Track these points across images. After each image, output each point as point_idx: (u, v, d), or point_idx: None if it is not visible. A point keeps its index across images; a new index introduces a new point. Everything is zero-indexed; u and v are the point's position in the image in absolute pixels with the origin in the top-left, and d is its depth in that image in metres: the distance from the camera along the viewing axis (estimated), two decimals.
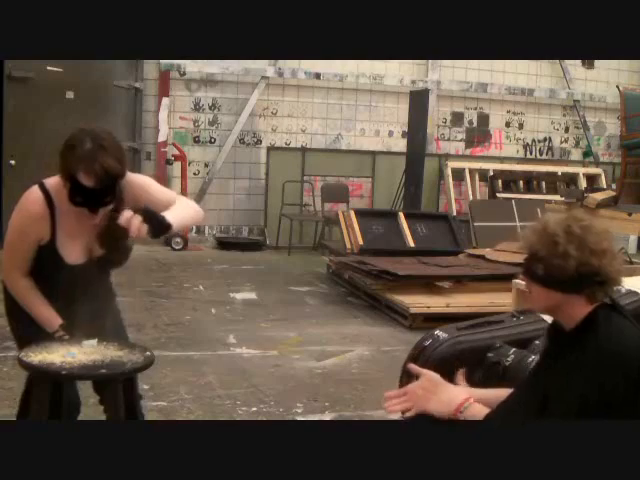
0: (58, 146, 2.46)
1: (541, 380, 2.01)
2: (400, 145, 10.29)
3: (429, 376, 2.22)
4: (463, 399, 2.11)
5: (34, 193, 2.55)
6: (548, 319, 2.39)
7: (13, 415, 2.71)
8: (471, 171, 10.14)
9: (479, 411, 2.09)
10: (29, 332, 2.59)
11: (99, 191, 2.43)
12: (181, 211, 2.57)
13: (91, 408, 2.89)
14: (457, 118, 10.87)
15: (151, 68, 9.44)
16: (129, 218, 2.38)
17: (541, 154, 11.34)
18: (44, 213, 2.53)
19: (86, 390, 2.79)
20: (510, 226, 8.68)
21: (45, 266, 2.58)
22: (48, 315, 2.59)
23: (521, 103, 11.09)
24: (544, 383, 1.98)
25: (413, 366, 2.35)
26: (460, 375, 2.28)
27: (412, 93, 9.70)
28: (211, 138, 9.85)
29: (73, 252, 2.60)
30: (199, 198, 9.72)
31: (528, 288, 2.06)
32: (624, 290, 3.30)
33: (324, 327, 5.90)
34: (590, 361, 1.89)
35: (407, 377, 2.93)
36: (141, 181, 2.70)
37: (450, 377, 2.30)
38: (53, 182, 2.56)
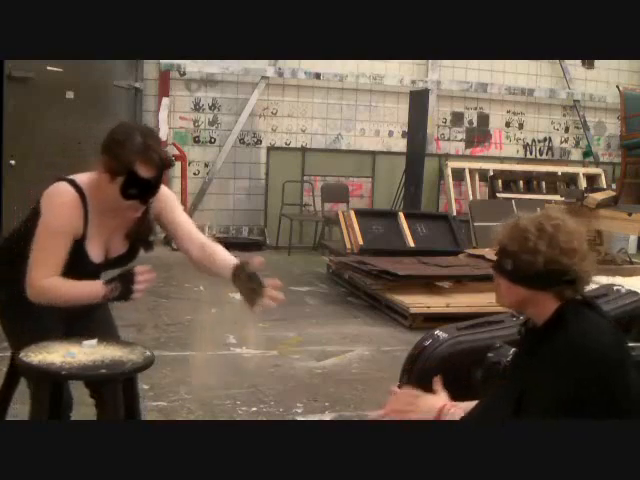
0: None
1: (517, 377, 2.02)
2: (400, 145, 10.28)
3: (405, 392, 2.30)
4: (441, 405, 2.17)
5: (68, 192, 2.46)
6: None
7: (10, 415, 2.70)
8: (471, 171, 10.15)
9: (458, 414, 2.12)
10: (24, 329, 2.56)
11: (154, 181, 2.44)
12: None
13: (90, 408, 2.88)
14: (457, 118, 10.87)
15: (151, 68, 9.44)
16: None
17: (541, 154, 11.34)
18: (82, 211, 2.47)
19: (84, 390, 2.79)
20: None
21: (69, 264, 2.49)
22: (88, 287, 2.49)
23: (521, 103, 11.09)
24: (520, 379, 1.99)
25: (394, 389, 2.38)
26: (436, 382, 2.28)
27: (412, 93, 9.70)
28: (211, 138, 9.85)
29: (97, 250, 2.57)
30: (199, 198, 9.72)
31: (497, 282, 2.07)
32: (624, 290, 3.30)
33: (324, 327, 5.90)
34: (561, 357, 1.89)
35: (407, 378, 2.94)
36: (168, 196, 2.68)
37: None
38: (85, 179, 2.50)
